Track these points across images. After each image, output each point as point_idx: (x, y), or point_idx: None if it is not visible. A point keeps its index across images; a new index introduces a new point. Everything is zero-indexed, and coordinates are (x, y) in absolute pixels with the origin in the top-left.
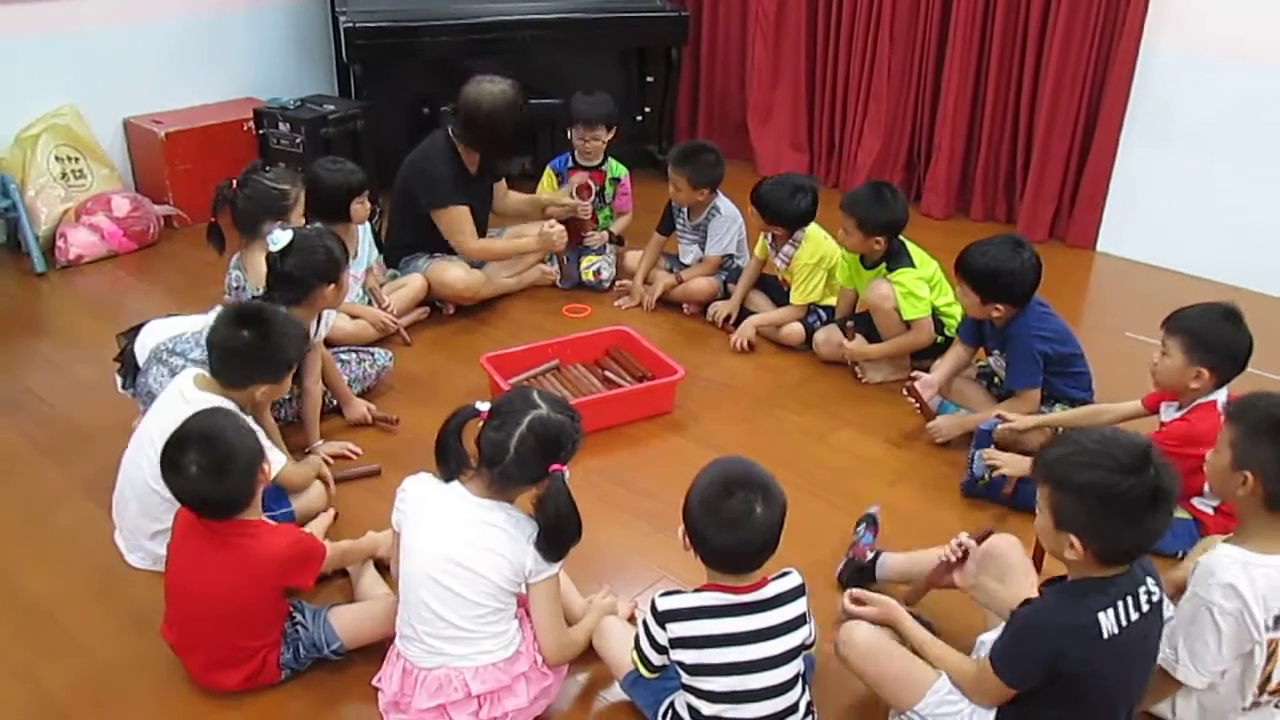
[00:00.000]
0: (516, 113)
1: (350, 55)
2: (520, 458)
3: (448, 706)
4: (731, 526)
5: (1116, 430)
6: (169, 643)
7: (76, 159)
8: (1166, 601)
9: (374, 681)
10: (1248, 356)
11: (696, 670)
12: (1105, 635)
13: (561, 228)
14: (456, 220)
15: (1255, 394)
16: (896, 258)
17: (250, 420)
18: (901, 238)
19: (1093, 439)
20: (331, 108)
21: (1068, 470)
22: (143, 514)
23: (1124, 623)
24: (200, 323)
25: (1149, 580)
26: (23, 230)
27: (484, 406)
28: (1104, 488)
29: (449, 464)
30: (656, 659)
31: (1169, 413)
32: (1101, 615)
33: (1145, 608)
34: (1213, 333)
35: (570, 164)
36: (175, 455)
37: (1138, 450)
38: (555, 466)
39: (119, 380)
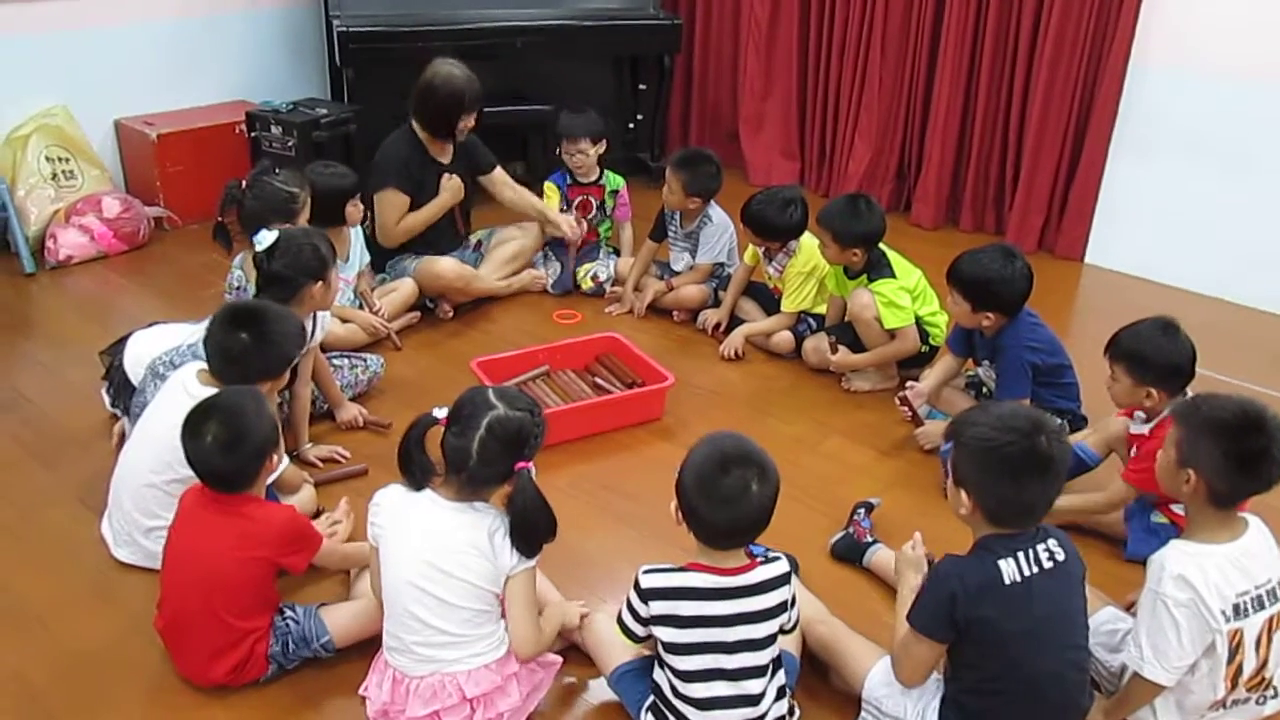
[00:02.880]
0: (464, 92)
1: (343, 59)
2: (484, 460)
3: (441, 713)
4: (727, 504)
5: (1027, 405)
6: (160, 632)
7: (67, 159)
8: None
9: (360, 691)
10: (1192, 364)
11: (673, 648)
12: (1007, 581)
13: (457, 181)
14: (384, 203)
15: (1200, 395)
16: (877, 268)
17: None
18: (883, 247)
19: (1001, 405)
20: (324, 111)
21: (965, 427)
22: (136, 509)
23: (1025, 572)
24: (191, 332)
25: (1051, 540)
26: (12, 231)
27: (441, 413)
28: (986, 442)
29: (414, 474)
30: (640, 631)
31: (1138, 424)
32: (1001, 563)
33: (1048, 564)
34: (1151, 351)
35: (570, 181)
36: (198, 421)
37: (1031, 418)
38: (521, 464)
39: (107, 398)
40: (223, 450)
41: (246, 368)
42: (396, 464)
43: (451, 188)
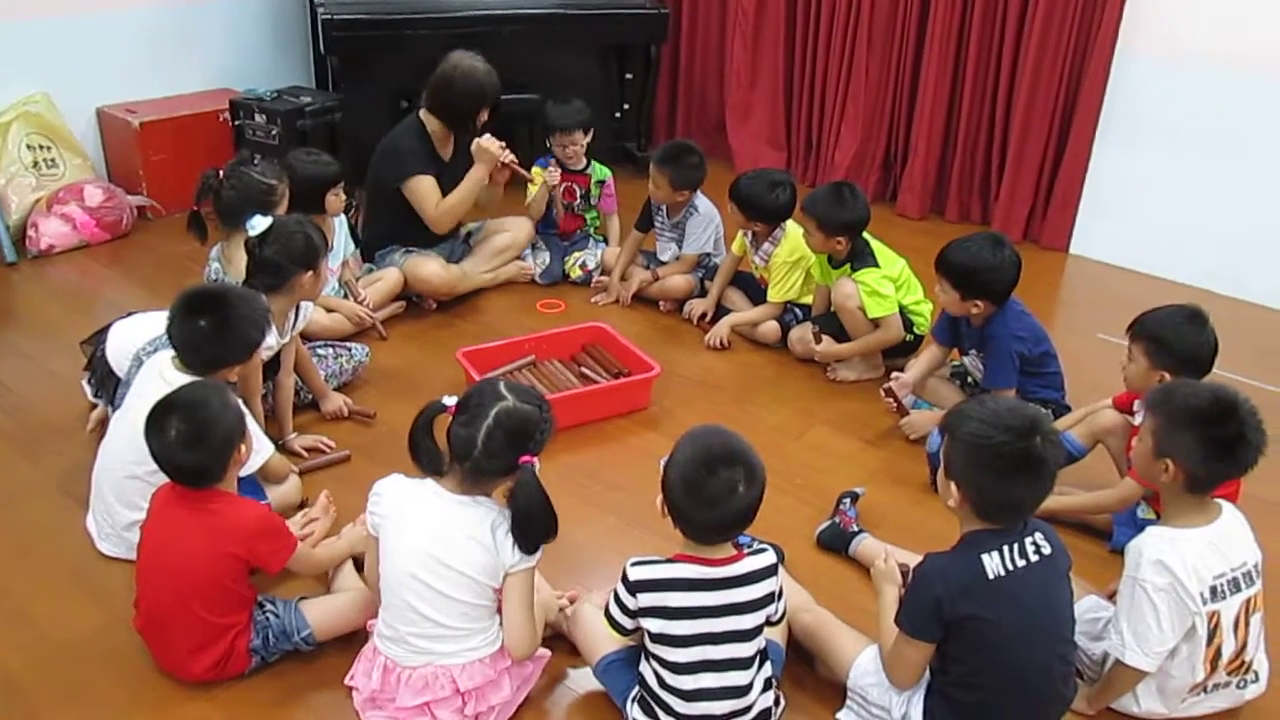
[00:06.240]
0: (484, 86)
1: (328, 47)
2: (489, 451)
3: (432, 704)
4: (714, 505)
5: (1025, 402)
6: (139, 631)
7: (49, 148)
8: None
9: (346, 681)
10: (1212, 358)
11: (661, 639)
12: (991, 576)
13: (490, 137)
14: (421, 190)
15: (1174, 383)
16: (860, 257)
17: (241, 402)
18: (866, 236)
19: (998, 401)
20: (308, 100)
21: (960, 420)
22: (119, 501)
23: (1010, 567)
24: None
25: (1038, 534)
26: None
27: (451, 401)
28: (980, 438)
29: (424, 461)
30: (628, 623)
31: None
32: (985, 557)
33: (1034, 557)
34: (1174, 337)
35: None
36: (160, 417)
37: (1028, 417)
38: (525, 458)
39: (88, 389)
40: (187, 445)
41: (211, 355)
42: (406, 450)
43: (484, 156)
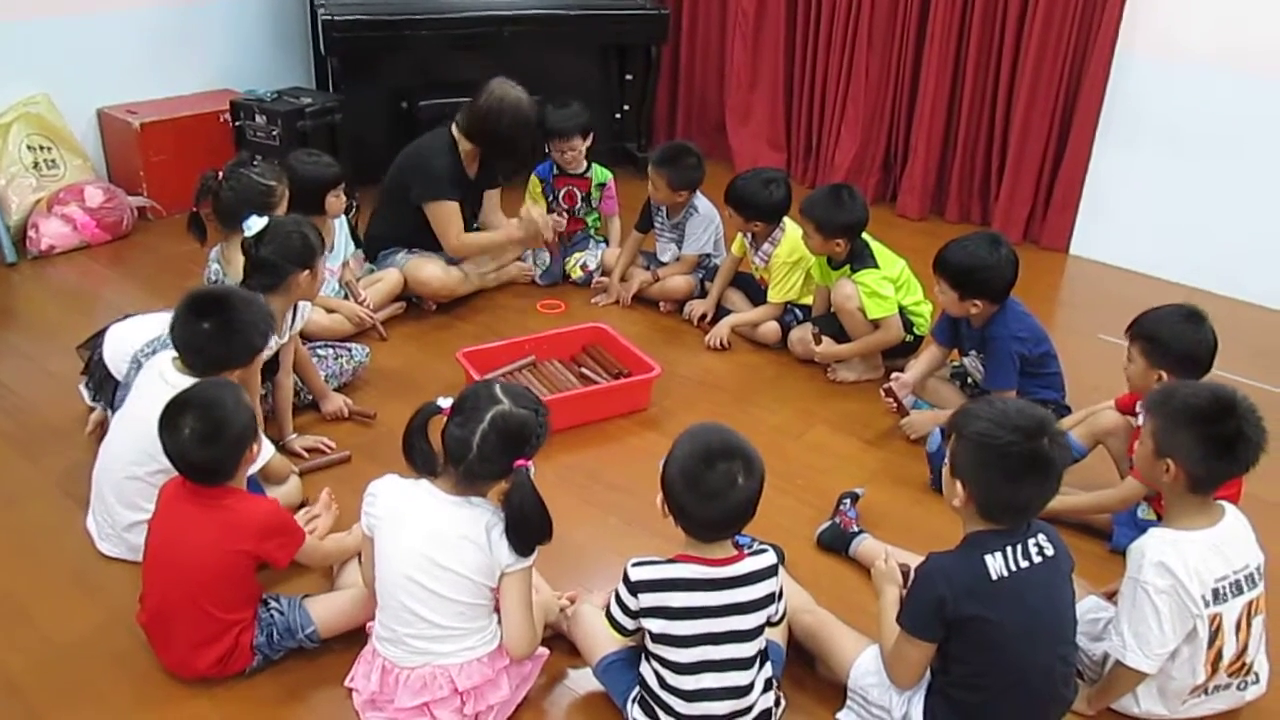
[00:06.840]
0: (531, 121)
1: (328, 48)
2: (483, 454)
3: (431, 705)
4: (714, 499)
5: (1032, 404)
6: (143, 626)
7: (49, 148)
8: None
9: (346, 683)
10: (1210, 357)
11: (662, 640)
12: (994, 577)
13: (541, 211)
14: (446, 215)
15: (1173, 384)
16: (860, 258)
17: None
18: (866, 237)
19: (1006, 402)
20: (309, 100)
21: (968, 420)
22: (120, 502)
23: (1013, 568)
24: (167, 321)
25: (1041, 536)
26: None
27: (446, 403)
28: (987, 437)
29: (418, 462)
30: (630, 624)
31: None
32: (988, 558)
33: (1037, 558)
34: (1171, 337)
35: (555, 172)
36: (174, 415)
37: (1036, 418)
38: (520, 462)
39: (86, 393)
40: (201, 443)
41: (213, 358)
42: (401, 452)
43: (529, 229)
